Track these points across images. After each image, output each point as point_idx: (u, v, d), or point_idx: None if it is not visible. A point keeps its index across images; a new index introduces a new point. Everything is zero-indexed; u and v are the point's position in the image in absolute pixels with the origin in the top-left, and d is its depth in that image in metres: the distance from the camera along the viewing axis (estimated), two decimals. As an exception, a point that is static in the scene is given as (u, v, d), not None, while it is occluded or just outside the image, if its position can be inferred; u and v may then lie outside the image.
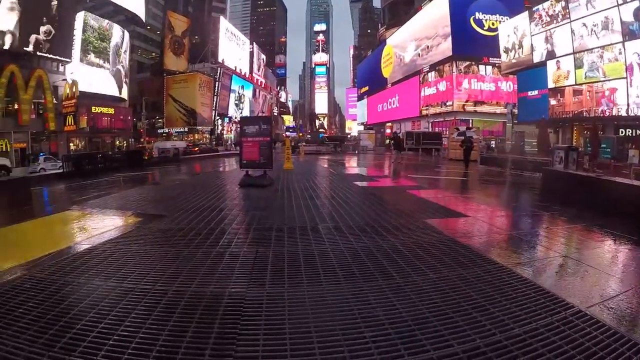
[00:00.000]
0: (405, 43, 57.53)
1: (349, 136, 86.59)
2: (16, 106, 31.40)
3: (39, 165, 26.08)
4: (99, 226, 6.91)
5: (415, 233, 5.92)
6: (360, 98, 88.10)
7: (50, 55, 34.17)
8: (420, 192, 10.84)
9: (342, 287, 3.76)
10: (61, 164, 22.27)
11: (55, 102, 34.53)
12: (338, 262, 4.53)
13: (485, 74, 43.71)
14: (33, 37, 31.96)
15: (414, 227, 6.32)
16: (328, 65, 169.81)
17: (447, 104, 44.73)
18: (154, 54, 64.16)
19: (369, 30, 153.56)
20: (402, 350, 2.65)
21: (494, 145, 29.77)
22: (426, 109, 48.81)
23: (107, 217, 7.81)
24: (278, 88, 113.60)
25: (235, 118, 69.82)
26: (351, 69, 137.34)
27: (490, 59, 41.85)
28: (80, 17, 37.73)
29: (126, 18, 47.61)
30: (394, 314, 3.18)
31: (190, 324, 3.15)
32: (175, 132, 59.17)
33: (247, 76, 77.86)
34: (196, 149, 45.32)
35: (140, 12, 50.22)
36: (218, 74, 63.51)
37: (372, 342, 2.76)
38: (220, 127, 66.06)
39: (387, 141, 36.74)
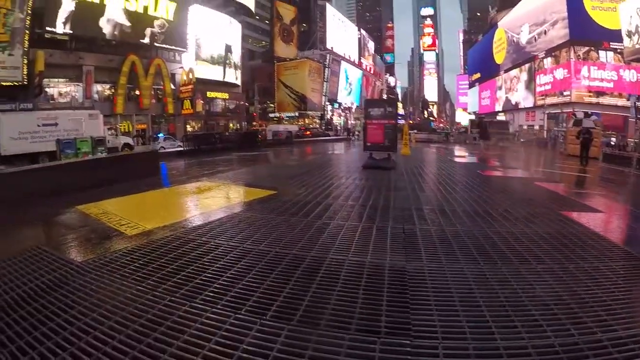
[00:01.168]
0: (517, 28, 51.47)
1: (459, 125, 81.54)
2: (137, 92, 34.76)
3: (159, 144, 28.18)
4: (233, 196, 7.69)
5: (556, 223, 5.81)
6: (471, 85, 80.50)
7: (167, 46, 36.86)
8: (548, 185, 10.36)
9: (501, 268, 3.93)
10: (180, 143, 24.51)
11: (173, 88, 37.53)
12: (488, 244, 4.68)
13: (607, 60, 37.14)
14: (148, 30, 34.89)
15: (553, 217, 6.20)
16: (437, 51, 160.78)
17: (565, 93, 39.19)
18: (263, 42, 65.86)
19: (478, 14, 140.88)
20: (572, 329, 2.76)
21: (614, 142, 26.34)
22: (542, 99, 43.37)
23: (241, 187, 8.61)
24: (387, 74, 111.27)
25: (345, 104, 70.31)
26: (461, 54, 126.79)
27: (611, 43, 35.65)
28: (193, 9, 39.58)
29: (236, 9, 48.96)
30: (554, 295, 3.31)
31: (357, 291, 3.34)
32: (286, 117, 61.01)
33: (355, 62, 77.07)
34: (308, 132, 45.82)
35: (249, 3, 51.02)
36: (327, 60, 63.58)
37: (541, 318, 2.91)
38: (330, 113, 66.59)
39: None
